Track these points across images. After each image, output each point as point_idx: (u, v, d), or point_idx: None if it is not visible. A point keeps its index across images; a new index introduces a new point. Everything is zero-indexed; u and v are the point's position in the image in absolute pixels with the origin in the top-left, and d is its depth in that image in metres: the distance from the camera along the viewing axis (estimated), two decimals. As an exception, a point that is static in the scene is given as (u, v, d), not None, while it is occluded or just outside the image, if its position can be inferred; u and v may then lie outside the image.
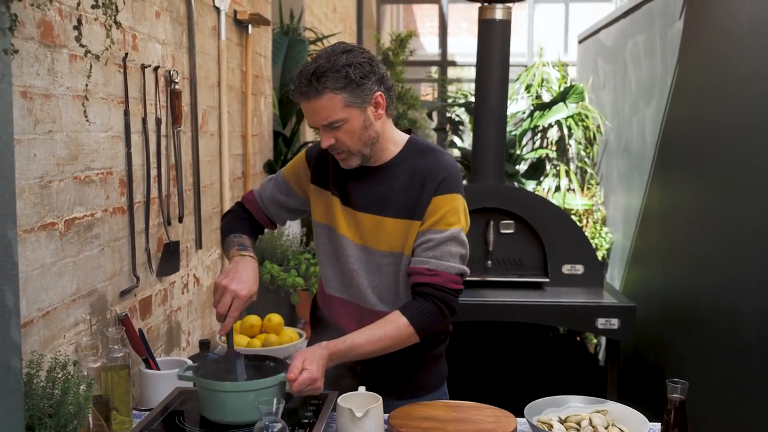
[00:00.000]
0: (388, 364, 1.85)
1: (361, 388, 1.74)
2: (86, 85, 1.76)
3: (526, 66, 7.19)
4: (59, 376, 1.43)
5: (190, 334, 2.56)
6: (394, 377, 1.91)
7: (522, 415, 1.71)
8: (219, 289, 1.77)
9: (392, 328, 1.75)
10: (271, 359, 1.81)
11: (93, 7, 1.65)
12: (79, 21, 1.62)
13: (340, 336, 1.79)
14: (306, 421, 1.72)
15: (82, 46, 1.64)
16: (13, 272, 1.29)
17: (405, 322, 1.75)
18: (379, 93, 1.76)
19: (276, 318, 2.70)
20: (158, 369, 2.05)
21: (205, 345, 2.26)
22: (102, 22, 1.84)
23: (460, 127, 6.88)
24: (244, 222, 2.02)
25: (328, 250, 1.92)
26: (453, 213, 1.80)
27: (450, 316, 1.80)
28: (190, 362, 2.07)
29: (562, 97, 6.04)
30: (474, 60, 3.97)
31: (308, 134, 4.92)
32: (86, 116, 1.77)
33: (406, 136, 1.90)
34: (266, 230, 2.14)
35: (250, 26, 3.17)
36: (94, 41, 1.81)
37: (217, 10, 2.80)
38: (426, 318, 1.77)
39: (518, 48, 8.00)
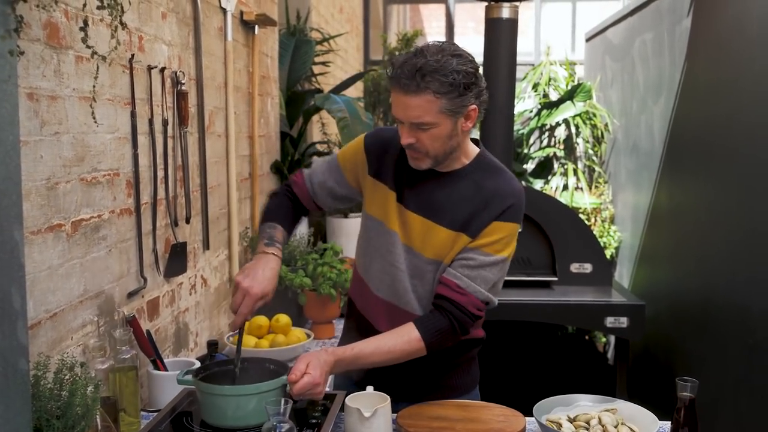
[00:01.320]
0: (420, 365, 1.84)
1: (369, 388, 1.73)
2: (93, 86, 1.76)
3: (533, 65, 7.17)
4: (66, 377, 1.43)
5: (198, 335, 2.56)
6: (426, 378, 1.90)
7: (531, 415, 1.70)
8: (235, 284, 1.78)
9: (402, 342, 1.74)
10: (272, 362, 1.80)
11: (99, 8, 1.65)
12: (85, 22, 1.62)
13: (373, 334, 1.81)
14: (314, 421, 1.72)
15: (88, 47, 1.64)
16: (20, 274, 1.30)
17: (417, 336, 1.74)
18: (474, 107, 1.71)
19: (284, 318, 2.69)
20: (166, 370, 2.05)
21: (213, 346, 2.26)
22: (108, 23, 1.84)
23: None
24: (286, 210, 1.98)
25: (377, 245, 1.87)
26: (507, 242, 1.78)
27: (461, 336, 1.79)
28: (198, 363, 2.07)
29: (569, 95, 6.02)
30: (481, 59, 3.96)
31: (315, 135, 4.92)
32: (94, 118, 1.77)
33: (477, 150, 1.87)
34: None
35: (256, 27, 3.17)
36: (101, 42, 1.81)
37: (224, 10, 2.80)
38: (438, 335, 1.76)
39: (525, 47, 7.98)
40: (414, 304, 1.85)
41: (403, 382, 1.88)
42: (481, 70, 1.78)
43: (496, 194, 1.78)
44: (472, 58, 1.71)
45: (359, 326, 1.95)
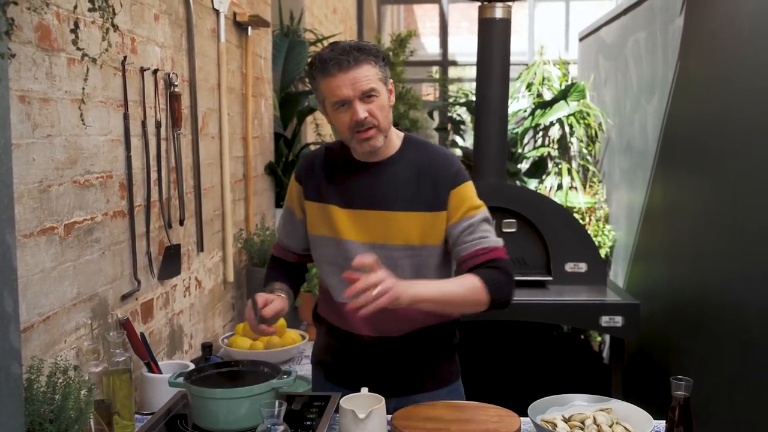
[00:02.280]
0: (407, 356, 1.90)
1: (364, 390, 1.73)
2: (83, 88, 1.76)
3: (527, 64, 7.18)
4: (60, 381, 1.43)
5: (192, 337, 2.55)
6: (413, 370, 1.93)
7: (526, 415, 1.70)
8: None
9: (469, 282, 1.77)
10: (266, 365, 1.79)
11: (90, 10, 1.65)
12: (76, 24, 1.61)
13: (354, 341, 1.87)
14: (309, 423, 1.71)
15: (79, 49, 1.64)
16: (12, 277, 1.29)
17: (479, 282, 1.77)
18: (392, 81, 1.86)
19: (278, 320, 2.69)
20: (160, 373, 2.05)
21: (207, 348, 2.26)
22: (99, 25, 1.83)
23: (462, 127, 6.87)
24: (274, 271, 2.06)
25: (331, 259, 1.91)
26: (474, 197, 1.88)
27: (513, 285, 1.85)
28: (192, 365, 2.07)
29: (563, 95, 6.02)
30: (475, 59, 3.97)
31: (309, 136, 4.91)
32: (83, 120, 1.76)
33: (401, 133, 1.95)
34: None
35: (249, 28, 3.16)
36: (92, 44, 1.80)
37: (217, 12, 2.79)
38: (497, 282, 1.79)
39: (519, 46, 7.99)
40: None
41: (392, 376, 1.90)
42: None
43: (435, 167, 1.87)
44: None
45: (337, 337, 1.98)
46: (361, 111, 1.76)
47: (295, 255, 2.06)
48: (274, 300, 1.82)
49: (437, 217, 1.84)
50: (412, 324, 1.89)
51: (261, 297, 1.81)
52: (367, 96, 1.77)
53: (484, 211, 1.87)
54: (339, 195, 1.88)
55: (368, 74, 1.76)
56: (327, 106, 1.82)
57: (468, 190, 1.87)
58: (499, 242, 1.85)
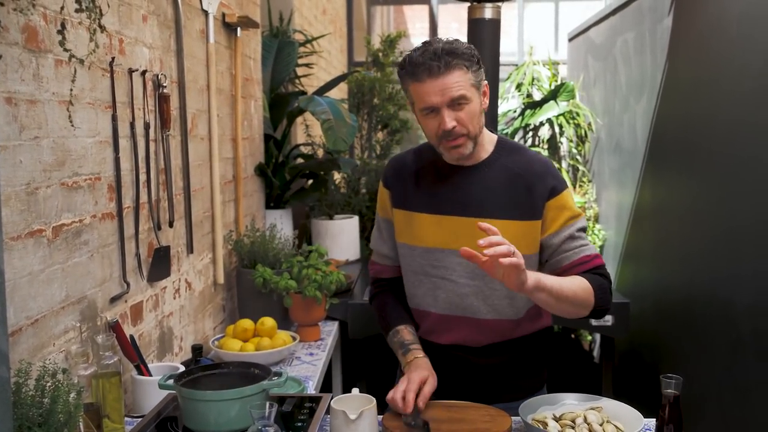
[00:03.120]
0: (495, 368, 1.89)
1: (355, 390, 1.73)
2: (71, 90, 1.75)
3: (516, 65, 7.19)
4: (48, 384, 1.42)
5: (182, 339, 2.55)
6: (493, 381, 1.91)
7: (517, 414, 1.70)
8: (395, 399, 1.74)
9: (579, 281, 1.74)
10: (256, 366, 1.79)
11: (77, 11, 1.64)
12: (63, 25, 1.60)
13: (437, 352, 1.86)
14: (300, 424, 1.71)
15: (66, 50, 1.63)
16: (0, 280, 1.28)
17: (587, 284, 1.74)
18: (486, 83, 1.79)
19: (269, 321, 2.69)
20: (150, 375, 2.04)
21: (197, 350, 2.25)
22: (87, 26, 1.82)
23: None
24: (392, 304, 1.97)
25: (416, 268, 1.88)
26: (573, 205, 1.83)
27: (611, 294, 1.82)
28: (183, 368, 2.06)
29: (552, 95, 6.04)
30: (464, 59, 3.96)
31: (299, 137, 4.91)
32: (71, 121, 1.75)
33: (494, 135, 1.89)
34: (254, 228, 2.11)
35: (238, 29, 3.15)
36: (80, 46, 1.79)
37: (205, 13, 2.79)
38: (602, 288, 1.78)
39: (508, 47, 8.01)
40: (478, 306, 1.85)
41: (470, 386, 1.88)
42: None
43: (533, 175, 1.81)
44: None
45: (430, 355, 1.91)
46: (449, 120, 1.71)
47: (395, 269, 1.98)
48: (427, 381, 1.75)
49: (531, 227, 1.80)
50: (495, 335, 1.87)
51: (414, 383, 1.72)
52: (457, 103, 1.71)
53: (582, 220, 1.83)
54: (427, 201, 1.84)
55: (459, 80, 1.70)
56: (416, 111, 1.78)
57: (567, 198, 1.82)
58: (596, 250, 1.82)
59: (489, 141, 1.86)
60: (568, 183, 5.80)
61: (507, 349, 1.90)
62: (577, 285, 1.73)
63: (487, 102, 1.80)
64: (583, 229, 1.83)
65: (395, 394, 1.72)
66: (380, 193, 1.97)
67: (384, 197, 1.95)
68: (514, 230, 1.77)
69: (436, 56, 1.68)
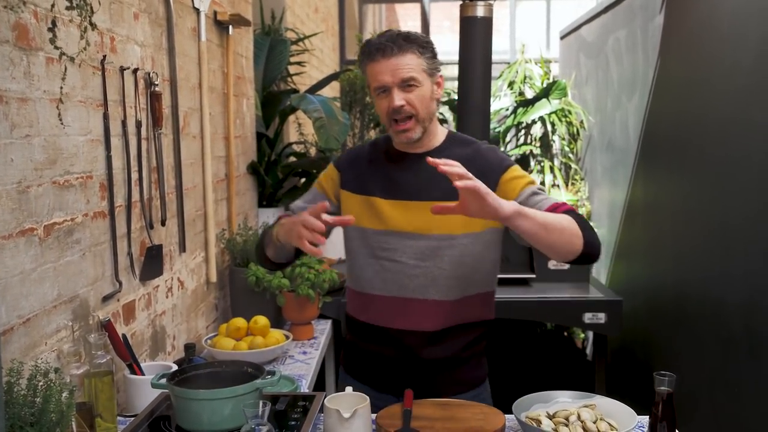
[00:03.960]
0: (434, 361, 1.90)
1: (348, 389, 1.73)
2: (61, 87, 1.74)
3: (508, 63, 7.20)
4: (41, 383, 1.41)
5: (175, 338, 2.54)
6: (439, 374, 1.92)
7: (510, 412, 1.70)
8: (293, 231, 1.70)
9: (566, 218, 1.70)
10: (249, 365, 1.78)
11: (68, 8, 1.63)
12: (54, 23, 1.59)
13: (387, 337, 1.88)
14: (293, 423, 1.71)
15: (56, 48, 1.62)
16: (-9, 279, 1.27)
17: (574, 222, 1.70)
18: (441, 74, 1.87)
19: (262, 320, 2.68)
20: (143, 374, 2.03)
21: (190, 349, 2.24)
22: (77, 24, 1.81)
23: (444, 125, 6.88)
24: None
25: (369, 251, 1.91)
26: (525, 174, 1.87)
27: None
28: (175, 367, 2.05)
29: (545, 93, 6.05)
30: (456, 58, 3.97)
31: (292, 135, 4.90)
32: (61, 119, 1.74)
33: (446, 129, 1.98)
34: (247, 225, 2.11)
35: (230, 27, 3.14)
36: (71, 43, 1.78)
37: (197, 11, 2.78)
38: (590, 230, 1.73)
39: (500, 45, 8.01)
40: (428, 288, 1.87)
41: (414, 379, 1.89)
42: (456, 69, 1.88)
43: (483, 160, 1.86)
44: None
45: (367, 336, 1.96)
46: (398, 98, 1.79)
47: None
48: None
49: None
50: (446, 318, 1.88)
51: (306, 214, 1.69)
52: (408, 84, 1.79)
53: (534, 184, 1.86)
54: (382, 186, 1.90)
55: (410, 63, 1.79)
56: (372, 91, 1.86)
57: (517, 170, 1.87)
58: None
59: (440, 132, 1.95)
60: (561, 182, 5.81)
61: (454, 337, 1.90)
62: (561, 216, 1.71)
63: (441, 92, 1.88)
64: (543, 190, 1.86)
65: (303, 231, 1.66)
66: (329, 171, 2.01)
67: (332, 175, 2.00)
68: None
69: (391, 39, 1.79)
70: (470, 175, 1.54)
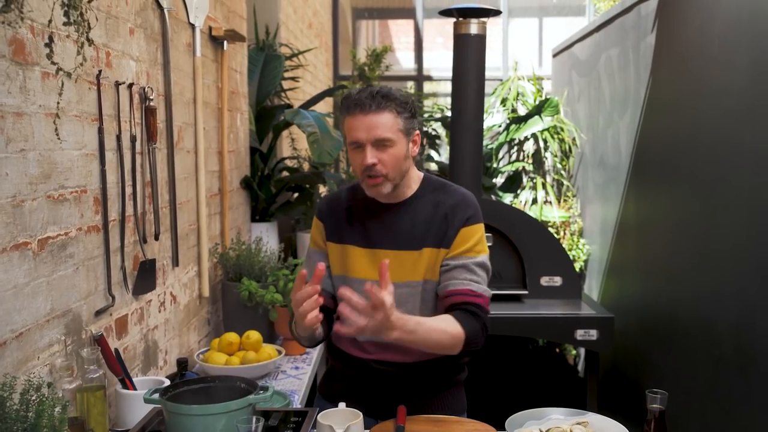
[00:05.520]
0: (410, 389, 1.92)
1: (341, 405, 1.73)
2: (58, 102, 1.75)
3: (501, 80, 7.24)
4: (33, 398, 1.41)
5: (167, 353, 2.53)
6: (419, 400, 1.93)
7: (503, 429, 1.70)
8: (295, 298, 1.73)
9: (452, 329, 1.77)
10: (242, 380, 1.78)
11: (65, 24, 1.64)
12: (51, 38, 1.60)
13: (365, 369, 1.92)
14: (286, 439, 1.70)
15: (53, 63, 1.63)
16: (-15, 293, 1.27)
17: (460, 329, 1.78)
18: (418, 133, 1.90)
19: (254, 335, 2.68)
20: (135, 389, 2.03)
21: (182, 364, 2.23)
22: (74, 39, 1.82)
23: (437, 141, 6.90)
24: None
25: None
26: (481, 241, 1.91)
27: (484, 339, 1.86)
28: (167, 382, 2.05)
29: (537, 110, 6.08)
30: (450, 74, 3.99)
31: (285, 150, 4.91)
32: (57, 134, 1.75)
33: (420, 174, 1.99)
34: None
35: (225, 42, 3.16)
36: (67, 58, 1.79)
37: (192, 26, 2.79)
38: (475, 333, 1.81)
39: (493, 62, 8.06)
40: None
41: (392, 406, 1.88)
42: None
43: (452, 206, 1.90)
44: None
45: (345, 361, 1.99)
46: (371, 156, 1.81)
47: (333, 299, 1.98)
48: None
49: (440, 254, 1.88)
50: (420, 354, 1.88)
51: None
52: (382, 144, 1.80)
53: (484, 258, 1.90)
54: (357, 235, 1.93)
55: (386, 122, 1.80)
56: (347, 143, 1.87)
57: (478, 231, 1.90)
58: (488, 292, 1.88)
59: (415, 179, 1.96)
60: (553, 199, 5.83)
61: (430, 369, 1.94)
62: (449, 326, 1.78)
63: (417, 150, 1.90)
64: (484, 268, 1.89)
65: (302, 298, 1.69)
66: (314, 225, 2.06)
67: (319, 228, 2.03)
68: (427, 257, 1.88)
69: (371, 96, 1.80)
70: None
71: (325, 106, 6.02)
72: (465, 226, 1.88)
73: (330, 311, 1.98)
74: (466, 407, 2.07)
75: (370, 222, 1.93)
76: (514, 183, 6.26)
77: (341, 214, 1.98)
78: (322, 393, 2.08)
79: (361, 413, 1.67)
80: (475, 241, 1.89)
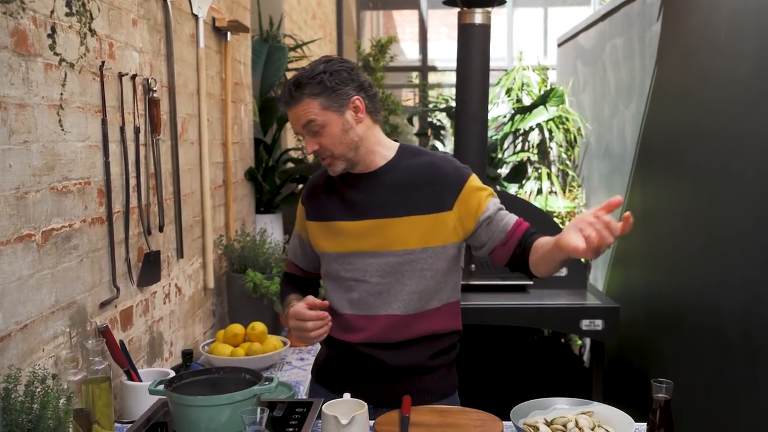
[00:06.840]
0: (400, 369, 1.91)
1: (346, 395, 1.72)
2: (61, 94, 1.74)
3: (506, 70, 7.21)
4: (38, 390, 1.41)
5: (172, 344, 2.53)
6: (405, 383, 1.93)
7: (508, 419, 1.70)
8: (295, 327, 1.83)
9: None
10: (247, 371, 1.78)
11: (67, 15, 1.63)
12: (53, 29, 1.60)
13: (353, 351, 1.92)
14: (291, 429, 1.70)
15: (56, 54, 1.62)
16: (-11, 285, 1.27)
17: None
18: (357, 97, 1.85)
19: (259, 326, 2.68)
20: (140, 380, 2.03)
21: (188, 355, 2.24)
22: (77, 30, 1.82)
23: (442, 132, 6.89)
24: (286, 286, 2.13)
25: (334, 274, 1.95)
26: (483, 188, 1.92)
27: None
28: (173, 373, 2.05)
29: (542, 100, 6.06)
30: (454, 65, 3.98)
31: (290, 141, 4.90)
32: (61, 126, 1.75)
33: (397, 143, 1.98)
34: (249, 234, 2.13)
35: (229, 33, 3.15)
36: (70, 50, 1.79)
37: (195, 17, 2.78)
38: None
39: (498, 52, 8.03)
40: (390, 304, 1.89)
41: (383, 388, 1.90)
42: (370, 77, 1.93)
43: (436, 171, 1.90)
44: (345, 60, 1.89)
45: (335, 347, 1.98)
46: (310, 144, 1.85)
47: (303, 272, 2.12)
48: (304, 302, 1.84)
49: (438, 219, 1.87)
50: (410, 330, 1.90)
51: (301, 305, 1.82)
52: (313, 129, 1.83)
53: (494, 195, 1.93)
54: (340, 209, 1.93)
55: (307, 108, 1.81)
56: None
57: (476, 181, 1.92)
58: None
59: (389, 147, 1.95)
60: (558, 189, 5.81)
61: (420, 347, 1.92)
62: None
63: (362, 116, 1.86)
64: (499, 202, 1.94)
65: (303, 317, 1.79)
66: (298, 209, 2.08)
67: (300, 213, 2.06)
68: (422, 225, 1.86)
69: (288, 91, 1.83)
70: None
71: (329, 97, 5.98)
72: (463, 186, 1.88)
73: (303, 280, 2.11)
74: (458, 385, 2.05)
75: (348, 194, 1.92)
76: (519, 173, 6.24)
77: (321, 192, 1.99)
78: (316, 379, 2.09)
79: (366, 404, 1.66)
80: (481, 194, 1.89)
